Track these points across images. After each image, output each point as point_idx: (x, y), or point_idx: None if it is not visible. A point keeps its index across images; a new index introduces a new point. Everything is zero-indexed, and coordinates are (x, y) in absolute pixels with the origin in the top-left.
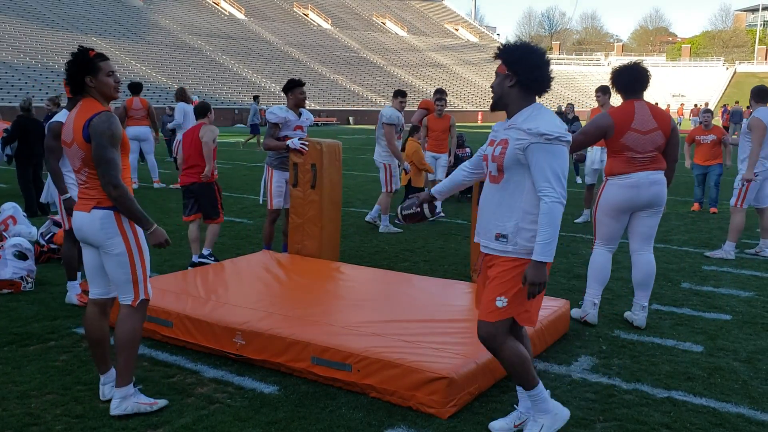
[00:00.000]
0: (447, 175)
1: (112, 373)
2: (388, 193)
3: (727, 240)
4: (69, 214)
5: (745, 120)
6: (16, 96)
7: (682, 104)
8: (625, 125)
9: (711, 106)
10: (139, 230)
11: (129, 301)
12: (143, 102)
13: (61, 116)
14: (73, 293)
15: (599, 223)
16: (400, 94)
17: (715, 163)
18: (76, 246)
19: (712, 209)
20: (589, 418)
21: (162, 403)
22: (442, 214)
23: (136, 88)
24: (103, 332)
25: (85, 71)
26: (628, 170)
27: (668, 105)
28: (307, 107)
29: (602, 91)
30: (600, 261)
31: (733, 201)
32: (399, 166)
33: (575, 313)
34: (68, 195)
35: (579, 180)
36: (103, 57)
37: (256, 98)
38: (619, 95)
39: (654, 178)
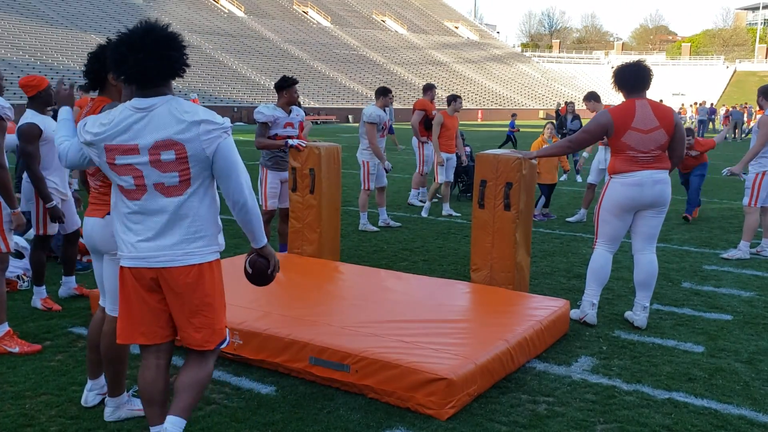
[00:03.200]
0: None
1: (100, 381)
2: (365, 191)
3: (742, 240)
4: (53, 220)
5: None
6: (15, 93)
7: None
8: (625, 124)
9: (709, 105)
10: None
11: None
12: None
13: (29, 117)
14: (38, 298)
15: (602, 222)
16: (383, 93)
17: (697, 165)
18: (45, 252)
19: (691, 214)
20: (590, 419)
21: None
22: (455, 214)
23: None
24: None
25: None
26: (630, 168)
27: (682, 105)
28: (307, 105)
29: (587, 99)
30: (601, 261)
31: (746, 201)
32: (384, 164)
33: (574, 314)
34: (54, 203)
35: (564, 177)
36: None
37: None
38: (621, 93)
39: (658, 177)
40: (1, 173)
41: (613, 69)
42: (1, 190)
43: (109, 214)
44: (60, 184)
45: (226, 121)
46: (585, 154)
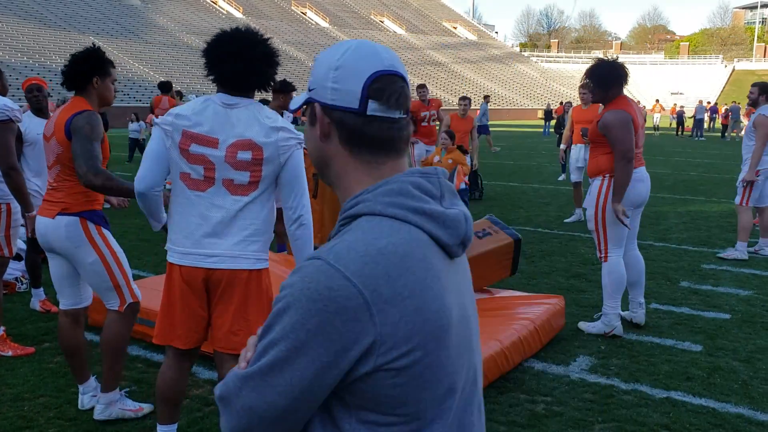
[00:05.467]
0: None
1: (91, 383)
2: None
3: (738, 240)
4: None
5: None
6: (13, 96)
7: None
8: (636, 121)
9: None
10: (108, 234)
11: (116, 307)
12: (171, 101)
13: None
14: (36, 300)
15: (611, 224)
16: None
17: None
18: (39, 254)
19: None
20: (588, 419)
21: (148, 408)
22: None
23: (165, 86)
24: (77, 342)
25: (96, 70)
26: (633, 165)
27: (674, 104)
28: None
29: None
30: (620, 270)
31: (738, 200)
32: None
33: (596, 328)
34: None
35: (562, 177)
36: (113, 64)
37: (486, 98)
38: (598, 92)
39: (648, 174)
40: (15, 176)
41: (595, 67)
42: (15, 193)
43: (61, 213)
44: (42, 187)
45: (301, 134)
46: (563, 146)
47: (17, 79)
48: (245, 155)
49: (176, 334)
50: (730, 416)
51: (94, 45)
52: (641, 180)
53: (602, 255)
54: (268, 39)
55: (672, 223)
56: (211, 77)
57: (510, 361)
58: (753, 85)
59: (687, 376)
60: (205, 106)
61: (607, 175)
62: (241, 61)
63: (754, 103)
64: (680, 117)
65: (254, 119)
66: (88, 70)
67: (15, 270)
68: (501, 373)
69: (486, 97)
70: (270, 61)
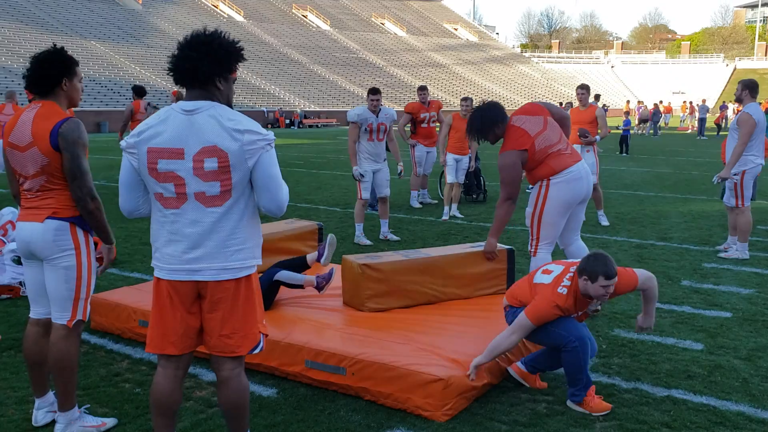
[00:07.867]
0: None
1: (48, 398)
2: (359, 201)
3: (738, 241)
4: None
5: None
6: (16, 101)
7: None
8: (527, 138)
9: (710, 103)
10: (92, 246)
11: (65, 321)
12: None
13: None
14: None
15: (547, 225)
16: (369, 92)
17: None
18: None
19: None
20: (589, 417)
21: (111, 422)
22: (459, 215)
23: (140, 91)
24: (44, 354)
25: (65, 72)
26: (565, 165)
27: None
28: (308, 108)
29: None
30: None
31: (733, 202)
32: (353, 169)
33: None
34: None
35: None
36: (77, 62)
37: (597, 97)
38: (489, 138)
39: (586, 168)
40: None
41: (470, 122)
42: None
43: (50, 217)
44: None
45: (270, 133)
46: (598, 137)
47: (19, 84)
48: (212, 164)
49: (169, 341)
50: (731, 414)
51: (55, 45)
52: (578, 179)
53: (532, 250)
54: (223, 33)
55: (673, 222)
56: (174, 79)
57: (511, 361)
58: (739, 83)
59: (688, 375)
60: (167, 116)
61: (545, 180)
62: (189, 49)
63: (738, 100)
64: (701, 121)
65: (216, 123)
66: (56, 73)
67: (18, 274)
68: (502, 373)
69: (597, 97)
70: (222, 46)
